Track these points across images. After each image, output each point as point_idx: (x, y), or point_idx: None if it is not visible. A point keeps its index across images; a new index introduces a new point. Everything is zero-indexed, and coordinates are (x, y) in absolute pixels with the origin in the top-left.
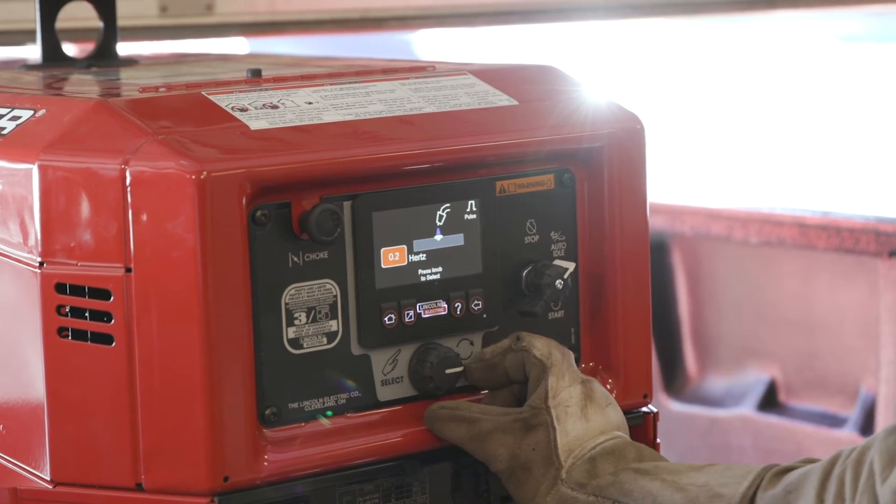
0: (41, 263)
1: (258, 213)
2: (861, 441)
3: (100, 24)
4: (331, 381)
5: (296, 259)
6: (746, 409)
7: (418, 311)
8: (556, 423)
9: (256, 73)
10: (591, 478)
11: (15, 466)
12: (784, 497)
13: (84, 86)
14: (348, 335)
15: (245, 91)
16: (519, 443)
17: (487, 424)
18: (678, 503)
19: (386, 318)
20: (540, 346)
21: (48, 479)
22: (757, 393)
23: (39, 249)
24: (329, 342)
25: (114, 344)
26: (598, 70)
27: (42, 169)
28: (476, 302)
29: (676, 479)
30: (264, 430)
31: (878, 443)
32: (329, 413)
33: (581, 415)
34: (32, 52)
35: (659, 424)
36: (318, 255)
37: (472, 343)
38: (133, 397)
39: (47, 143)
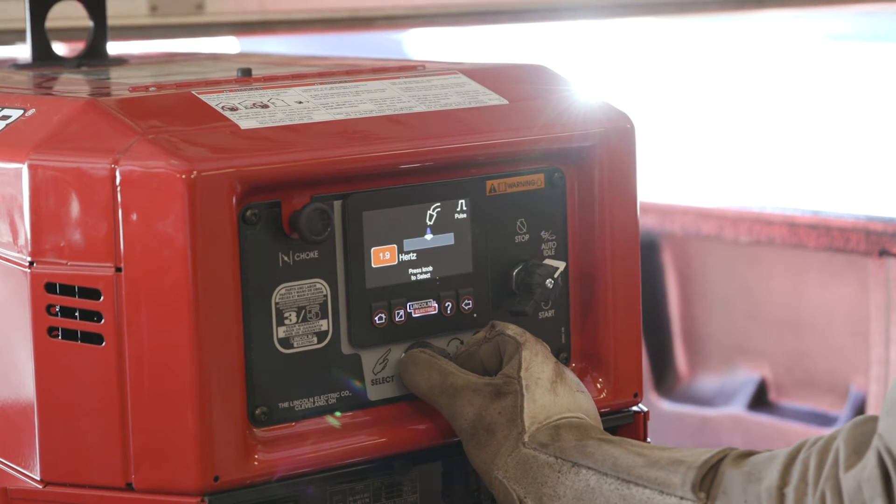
0: (31, 263)
1: (248, 213)
2: None
3: (90, 23)
4: (322, 380)
5: (286, 258)
6: (737, 409)
7: (409, 310)
8: (524, 391)
9: (246, 73)
10: (554, 441)
11: (5, 466)
12: (747, 476)
13: (74, 85)
14: (338, 334)
15: (235, 90)
16: (487, 405)
17: (460, 381)
18: (638, 465)
19: (376, 318)
20: (514, 327)
21: (38, 478)
22: (747, 392)
23: (29, 249)
24: (319, 342)
25: (104, 343)
26: (588, 69)
27: (32, 168)
28: (466, 301)
29: (640, 450)
30: (254, 430)
31: (845, 433)
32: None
33: (550, 388)
34: (22, 51)
35: (649, 424)
36: (308, 255)
37: (462, 342)
38: (123, 397)
39: (37, 142)
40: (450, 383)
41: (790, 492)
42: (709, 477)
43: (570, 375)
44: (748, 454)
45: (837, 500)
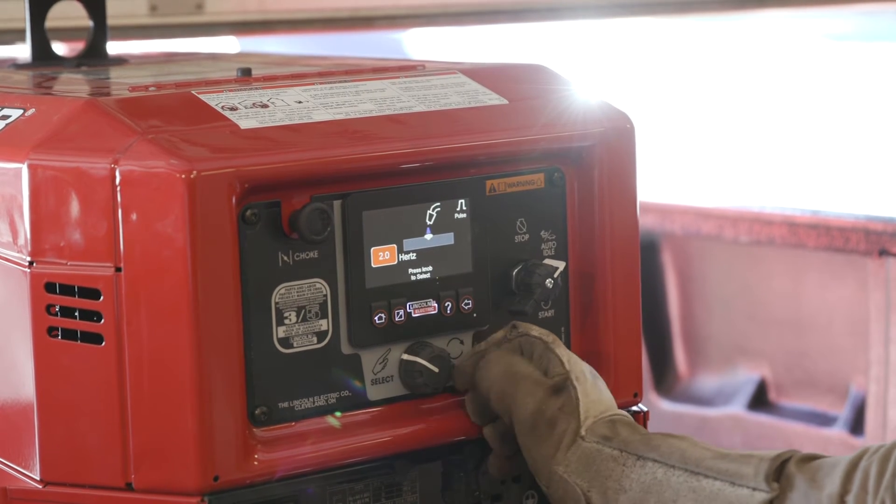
0: (31, 263)
1: (248, 213)
2: (850, 440)
3: (89, 23)
4: (322, 379)
5: (286, 258)
6: (737, 408)
7: (408, 310)
8: (576, 384)
9: (246, 73)
10: (616, 434)
11: (4, 466)
12: (810, 481)
13: (74, 85)
14: (338, 334)
15: (235, 90)
16: (547, 399)
17: (525, 369)
18: (707, 457)
19: (376, 318)
20: (537, 328)
21: (38, 478)
22: (747, 392)
23: (29, 249)
24: (319, 341)
25: (103, 343)
26: (588, 69)
27: (32, 168)
28: (466, 301)
29: (704, 444)
30: (254, 430)
31: None
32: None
33: (594, 384)
34: (22, 51)
35: (649, 423)
36: (308, 255)
37: (462, 342)
38: (123, 397)
39: (37, 142)
40: (516, 370)
41: (851, 499)
42: (777, 472)
43: (598, 375)
44: (812, 458)
45: None
